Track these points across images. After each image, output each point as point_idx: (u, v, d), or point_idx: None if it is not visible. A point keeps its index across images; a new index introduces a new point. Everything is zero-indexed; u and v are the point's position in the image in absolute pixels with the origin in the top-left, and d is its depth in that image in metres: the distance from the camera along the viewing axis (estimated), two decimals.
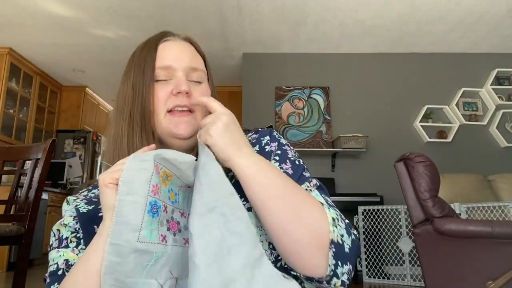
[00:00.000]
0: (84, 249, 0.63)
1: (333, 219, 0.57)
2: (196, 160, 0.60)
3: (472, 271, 1.56)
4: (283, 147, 0.70)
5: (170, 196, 0.58)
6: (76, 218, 0.67)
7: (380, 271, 3.39)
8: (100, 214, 0.63)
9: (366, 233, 3.49)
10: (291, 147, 0.73)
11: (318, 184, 0.66)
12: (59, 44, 4.28)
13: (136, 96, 0.67)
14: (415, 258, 3.26)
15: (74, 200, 0.70)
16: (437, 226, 1.61)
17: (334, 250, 0.55)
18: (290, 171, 0.66)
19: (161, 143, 0.69)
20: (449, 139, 4.25)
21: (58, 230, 0.67)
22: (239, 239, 0.55)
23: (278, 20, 3.82)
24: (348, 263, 0.56)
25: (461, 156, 4.21)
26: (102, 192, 0.55)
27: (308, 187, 0.65)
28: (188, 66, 0.69)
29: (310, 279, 0.56)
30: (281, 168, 0.67)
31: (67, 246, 0.64)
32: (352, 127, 4.24)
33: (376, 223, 3.45)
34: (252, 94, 4.40)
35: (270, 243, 0.62)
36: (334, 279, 0.55)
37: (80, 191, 0.74)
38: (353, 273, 0.57)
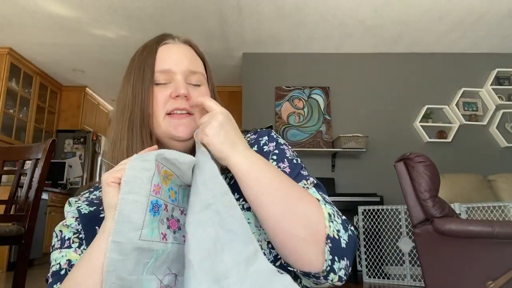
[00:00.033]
0: (86, 249, 0.63)
1: (329, 215, 0.57)
2: None
3: (472, 271, 1.56)
4: (281, 147, 0.71)
5: (171, 195, 0.59)
6: (78, 219, 0.68)
7: (380, 271, 3.39)
8: (101, 215, 0.64)
9: (366, 233, 3.49)
10: (289, 147, 0.73)
11: (315, 182, 0.67)
12: (59, 44, 4.28)
13: (136, 99, 0.68)
14: (415, 258, 3.26)
15: (76, 201, 0.71)
16: (437, 226, 1.61)
17: (330, 245, 0.55)
18: (287, 170, 0.67)
19: (160, 145, 0.69)
20: (449, 139, 4.25)
21: (61, 231, 0.67)
22: (233, 236, 0.56)
23: (278, 20, 3.82)
24: (345, 258, 0.56)
25: (461, 156, 4.21)
26: (104, 191, 0.56)
27: (305, 184, 0.65)
28: (187, 69, 0.70)
29: (307, 275, 0.56)
30: (279, 167, 0.67)
31: (69, 247, 0.65)
32: (352, 127, 4.24)
33: (376, 223, 3.45)
34: (252, 94, 4.40)
35: (269, 243, 0.62)
36: (331, 275, 0.55)
37: (82, 193, 0.74)
38: (350, 269, 0.58)
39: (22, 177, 1.78)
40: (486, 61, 4.44)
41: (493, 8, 3.59)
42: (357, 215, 3.56)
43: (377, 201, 3.63)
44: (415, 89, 4.40)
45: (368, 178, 4.14)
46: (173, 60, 0.70)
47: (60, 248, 0.65)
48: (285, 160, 0.69)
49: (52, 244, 0.68)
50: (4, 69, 4.33)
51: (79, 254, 0.64)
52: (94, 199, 0.71)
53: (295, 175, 0.66)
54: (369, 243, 3.47)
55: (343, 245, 0.56)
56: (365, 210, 3.54)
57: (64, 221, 0.68)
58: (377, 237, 3.45)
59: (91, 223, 0.66)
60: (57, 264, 0.63)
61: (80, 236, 0.66)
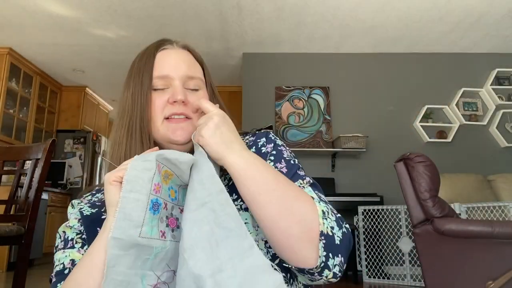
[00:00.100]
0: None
1: (323, 212, 0.58)
2: None
3: (472, 271, 1.56)
4: (279, 148, 0.72)
5: (170, 194, 0.61)
6: (80, 220, 0.69)
7: (380, 271, 3.39)
8: (103, 217, 0.67)
9: (366, 233, 3.49)
10: (287, 148, 0.74)
11: (311, 181, 0.67)
12: (59, 44, 4.28)
13: (135, 104, 0.70)
14: (415, 258, 3.26)
15: (78, 203, 0.73)
16: (437, 226, 1.61)
17: (324, 241, 0.56)
18: (284, 170, 0.68)
19: (160, 149, 0.70)
20: (449, 139, 4.25)
21: (64, 231, 0.69)
22: (228, 233, 0.57)
23: (278, 20, 3.82)
24: (340, 255, 0.57)
25: (461, 156, 4.21)
26: (106, 189, 0.58)
27: (301, 184, 0.66)
28: (185, 74, 0.71)
29: (301, 271, 0.57)
30: (276, 167, 0.68)
31: (72, 247, 0.66)
32: (352, 127, 4.24)
33: (376, 223, 3.45)
34: (252, 94, 4.40)
35: (266, 242, 0.63)
36: (326, 271, 0.56)
37: (84, 195, 0.76)
38: (345, 265, 0.58)
39: (22, 177, 1.78)
40: (486, 61, 4.44)
41: (493, 8, 3.60)
42: (357, 215, 3.56)
43: (377, 201, 3.63)
44: (415, 89, 4.40)
45: (368, 178, 4.14)
46: (171, 65, 0.71)
47: (64, 248, 0.67)
48: (282, 160, 0.69)
49: (56, 245, 0.69)
50: (4, 69, 4.33)
51: (82, 254, 0.65)
52: (96, 202, 0.73)
53: (292, 175, 0.67)
54: (369, 243, 3.47)
55: (337, 241, 0.57)
56: (365, 210, 3.54)
57: (67, 222, 0.70)
58: (377, 237, 3.45)
59: (93, 225, 0.67)
60: (61, 264, 0.65)
61: (83, 236, 0.67)
